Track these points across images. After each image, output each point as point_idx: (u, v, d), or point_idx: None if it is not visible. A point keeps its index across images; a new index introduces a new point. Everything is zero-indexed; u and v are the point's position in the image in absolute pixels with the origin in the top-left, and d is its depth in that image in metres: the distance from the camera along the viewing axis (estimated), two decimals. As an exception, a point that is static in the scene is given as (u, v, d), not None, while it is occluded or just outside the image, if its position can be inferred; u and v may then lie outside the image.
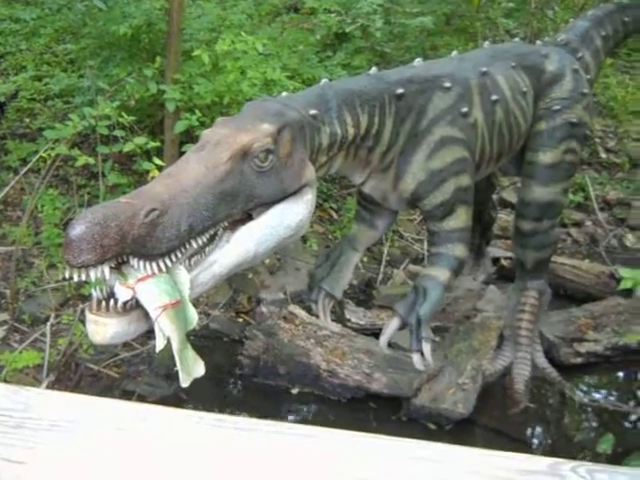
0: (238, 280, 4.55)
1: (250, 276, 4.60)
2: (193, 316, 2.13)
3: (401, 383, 3.69)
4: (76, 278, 1.95)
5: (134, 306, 2.05)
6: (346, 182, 6.03)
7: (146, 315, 2.04)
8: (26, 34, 7.04)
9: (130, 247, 1.99)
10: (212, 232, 2.35)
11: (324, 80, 3.12)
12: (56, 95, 5.78)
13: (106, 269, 1.96)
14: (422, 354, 3.24)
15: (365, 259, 5.14)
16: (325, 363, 3.80)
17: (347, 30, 6.02)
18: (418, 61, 3.45)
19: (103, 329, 2.03)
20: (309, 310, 4.07)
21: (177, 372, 2.03)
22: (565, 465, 0.83)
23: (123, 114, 3.83)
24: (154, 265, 2.08)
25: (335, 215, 5.77)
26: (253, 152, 2.39)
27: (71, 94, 5.65)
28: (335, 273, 3.75)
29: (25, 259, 4.46)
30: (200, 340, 4.09)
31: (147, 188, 2.24)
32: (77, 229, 1.90)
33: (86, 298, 4.09)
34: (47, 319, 3.90)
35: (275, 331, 3.91)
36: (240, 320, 4.46)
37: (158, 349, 2.01)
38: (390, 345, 3.61)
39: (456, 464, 0.86)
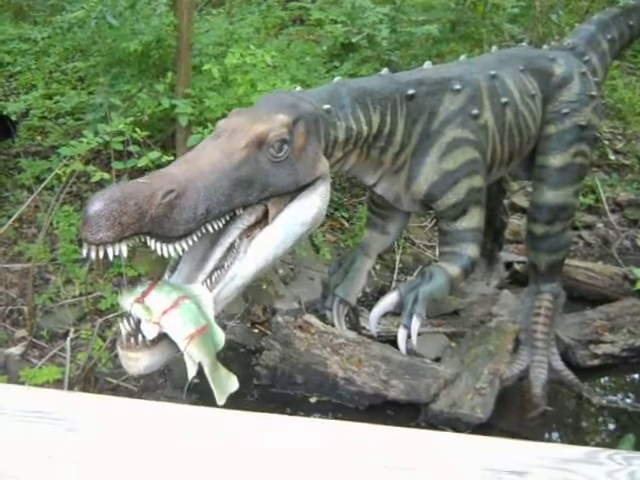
0: (253, 291, 4.57)
1: (264, 287, 4.62)
2: (220, 336, 2.16)
3: (418, 389, 3.69)
4: (93, 256, 1.91)
5: (162, 336, 2.06)
6: (356, 191, 6.05)
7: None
8: (35, 53, 7.13)
9: (148, 226, 1.97)
10: (230, 240, 2.37)
11: (337, 78, 3.15)
12: (67, 113, 5.84)
13: (124, 247, 1.93)
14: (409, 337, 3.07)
15: (378, 267, 5.15)
16: (342, 371, 3.80)
17: (353, 40, 6.05)
18: (428, 64, 3.49)
19: (135, 363, 2.06)
20: (324, 319, 4.08)
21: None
22: (602, 453, 0.84)
23: (137, 129, 3.86)
24: (171, 247, 2.07)
25: (346, 224, 5.78)
26: (269, 142, 2.41)
27: (82, 111, 5.71)
28: (349, 280, 3.81)
29: (42, 275, 4.50)
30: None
31: (164, 171, 2.25)
32: (96, 205, 1.87)
33: (103, 312, 4.12)
34: (65, 334, 3.93)
35: (291, 340, 3.92)
36: (256, 331, 4.48)
37: (190, 377, 2.03)
38: (407, 352, 3.62)
39: (494, 453, 0.88)
